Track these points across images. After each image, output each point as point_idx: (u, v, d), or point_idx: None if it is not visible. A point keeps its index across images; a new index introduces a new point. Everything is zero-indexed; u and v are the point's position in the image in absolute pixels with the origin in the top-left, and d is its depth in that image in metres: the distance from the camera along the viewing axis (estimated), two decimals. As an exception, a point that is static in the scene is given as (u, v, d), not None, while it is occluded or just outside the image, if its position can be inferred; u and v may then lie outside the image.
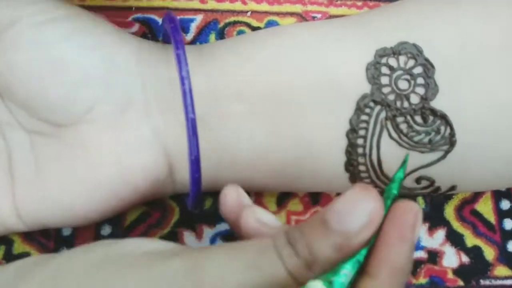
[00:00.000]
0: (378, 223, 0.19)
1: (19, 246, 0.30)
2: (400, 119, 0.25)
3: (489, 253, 0.32)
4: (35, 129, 0.26)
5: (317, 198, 0.33)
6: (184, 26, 0.34)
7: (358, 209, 0.18)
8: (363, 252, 0.19)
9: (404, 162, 0.22)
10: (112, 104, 0.25)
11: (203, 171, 0.26)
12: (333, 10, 0.35)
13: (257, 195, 0.32)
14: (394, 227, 0.19)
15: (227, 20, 0.34)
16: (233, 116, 0.25)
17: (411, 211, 0.19)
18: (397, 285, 0.18)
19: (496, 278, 0.32)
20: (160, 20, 0.34)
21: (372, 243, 0.19)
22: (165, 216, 0.32)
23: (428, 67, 0.25)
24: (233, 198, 0.24)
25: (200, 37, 0.34)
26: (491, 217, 0.33)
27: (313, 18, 0.35)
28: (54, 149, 0.26)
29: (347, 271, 0.18)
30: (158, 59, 0.26)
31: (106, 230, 0.31)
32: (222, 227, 0.32)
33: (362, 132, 0.25)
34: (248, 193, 0.32)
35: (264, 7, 0.35)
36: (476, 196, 0.33)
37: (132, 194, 0.26)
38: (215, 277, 0.18)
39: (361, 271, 0.19)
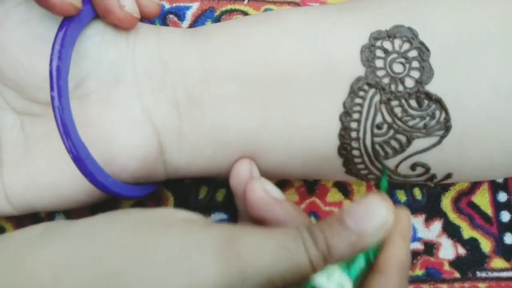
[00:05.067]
0: (389, 228, 0.21)
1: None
2: (394, 103, 0.25)
3: (486, 245, 0.32)
4: (25, 110, 0.26)
5: (312, 188, 0.32)
6: (180, 14, 0.33)
7: (374, 214, 0.20)
8: (374, 248, 0.21)
9: (383, 173, 0.25)
10: (101, 80, 0.25)
11: (197, 152, 0.26)
12: (331, 0, 0.35)
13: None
14: (396, 229, 0.21)
15: (223, 8, 0.34)
16: (224, 97, 0.25)
17: (406, 214, 0.22)
18: (404, 277, 0.20)
19: (493, 270, 0.32)
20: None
21: (380, 244, 0.21)
22: (160, 205, 0.31)
23: (423, 51, 0.25)
24: (245, 170, 0.26)
25: (196, 25, 0.33)
26: (488, 209, 0.33)
27: (310, 7, 0.35)
28: (43, 129, 0.26)
29: (361, 261, 0.20)
30: (149, 38, 0.26)
31: (99, 217, 0.30)
32: (217, 216, 0.32)
33: (356, 116, 0.25)
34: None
35: (261, -5, 0.34)
36: (473, 188, 0.33)
37: (121, 173, 0.25)
38: (251, 250, 0.20)
39: (370, 271, 0.21)
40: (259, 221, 0.25)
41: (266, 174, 0.26)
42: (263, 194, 0.24)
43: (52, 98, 0.22)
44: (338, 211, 0.21)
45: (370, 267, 0.21)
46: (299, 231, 0.21)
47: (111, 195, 0.25)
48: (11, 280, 0.19)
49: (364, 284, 0.20)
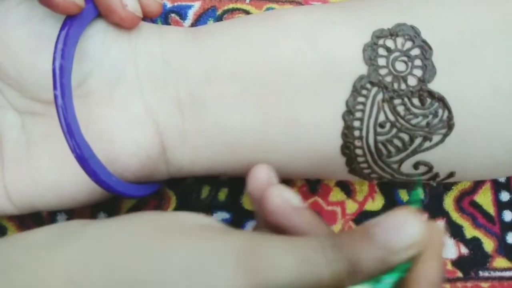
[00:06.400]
0: (422, 246, 0.20)
1: (12, 234, 0.30)
2: (397, 101, 0.25)
3: (488, 244, 0.32)
4: (27, 109, 0.26)
5: (315, 187, 0.32)
6: (182, 13, 0.33)
7: (404, 230, 0.19)
8: (406, 267, 0.20)
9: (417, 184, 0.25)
10: (103, 79, 0.25)
11: (200, 152, 0.26)
12: (332, -1, 0.35)
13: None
14: (429, 247, 0.20)
15: (225, 7, 0.34)
16: (226, 96, 0.25)
17: (439, 232, 0.21)
18: None
19: (495, 269, 0.32)
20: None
21: (412, 261, 0.20)
22: (162, 204, 0.31)
23: (426, 49, 0.25)
24: (263, 175, 0.25)
25: (198, 24, 0.33)
26: (490, 208, 0.33)
27: (312, 6, 0.34)
28: (44, 127, 0.26)
29: (389, 281, 0.19)
30: (151, 37, 0.26)
31: (102, 217, 0.30)
32: (219, 216, 0.32)
33: (358, 114, 0.25)
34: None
35: (263, -6, 0.34)
36: (476, 187, 0.33)
37: (124, 172, 0.25)
38: (271, 263, 0.19)
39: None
40: (277, 228, 0.24)
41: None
42: (281, 202, 0.23)
43: (56, 96, 0.22)
44: (364, 224, 0.20)
45: (401, 284, 0.20)
46: (320, 243, 0.20)
47: (114, 194, 0.25)
48: (25, 283, 0.19)
49: None
